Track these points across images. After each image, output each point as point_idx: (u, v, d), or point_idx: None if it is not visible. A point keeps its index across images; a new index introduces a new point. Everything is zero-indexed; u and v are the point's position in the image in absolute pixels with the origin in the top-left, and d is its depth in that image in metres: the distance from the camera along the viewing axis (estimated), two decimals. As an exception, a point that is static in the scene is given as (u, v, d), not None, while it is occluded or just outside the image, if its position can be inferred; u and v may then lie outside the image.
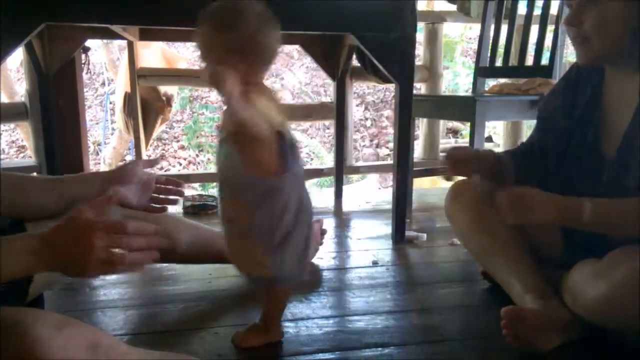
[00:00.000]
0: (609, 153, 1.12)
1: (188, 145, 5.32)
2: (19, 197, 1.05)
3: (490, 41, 2.20)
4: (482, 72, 2.24)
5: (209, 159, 5.27)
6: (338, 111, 2.43)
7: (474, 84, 2.27)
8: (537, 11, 2.08)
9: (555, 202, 1.06)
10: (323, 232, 1.63)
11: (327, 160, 4.93)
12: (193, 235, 1.34)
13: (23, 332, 0.64)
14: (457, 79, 5.75)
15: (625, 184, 1.05)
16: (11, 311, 0.67)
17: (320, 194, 3.33)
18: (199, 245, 1.35)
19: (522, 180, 1.28)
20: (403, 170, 1.75)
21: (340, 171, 2.47)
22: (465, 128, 5.21)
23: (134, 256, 0.79)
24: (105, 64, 5.32)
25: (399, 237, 1.80)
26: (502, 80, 2.28)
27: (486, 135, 4.32)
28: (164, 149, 5.36)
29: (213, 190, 4.48)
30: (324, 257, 1.65)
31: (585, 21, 1.09)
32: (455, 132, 5.36)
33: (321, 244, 1.62)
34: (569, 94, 1.25)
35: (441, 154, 3.06)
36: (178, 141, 5.42)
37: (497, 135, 4.69)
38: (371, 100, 5.90)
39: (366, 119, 5.74)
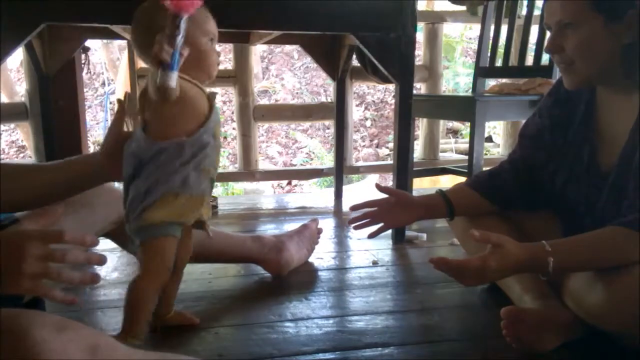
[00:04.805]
0: (607, 170, 1.11)
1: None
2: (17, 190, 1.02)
3: (490, 41, 2.20)
4: (482, 72, 2.24)
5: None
6: (338, 111, 2.43)
7: (474, 84, 2.27)
8: (537, 11, 2.08)
9: (522, 259, 1.01)
10: (319, 231, 1.63)
11: (327, 160, 4.93)
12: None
13: (22, 335, 0.64)
14: (457, 78, 5.75)
15: (623, 206, 1.05)
16: (10, 313, 0.67)
17: (320, 194, 3.33)
18: (198, 245, 1.35)
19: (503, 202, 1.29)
20: (403, 170, 1.75)
21: (340, 171, 2.47)
22: (465, 128, 5.21)
23: (70, 274, 0.74)
24: (105, 64, 5.33)
25: (399, 237, 1.80)
26: (502, 80, 2.28)
27: (486, 135, 4.33)
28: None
29: (213, 190, 4.48)
30: (324, 257, 1.65)
31: (567, 46, 1.07)
32: (455, 132, 5.36)
33: (317, 243, 1.62)
34: (559, 111, 1.23)
35: (441, 154, 3.07)
36: (178, 141, 5.42)
37: (497, 135, 4.70)
38: (371, 100, 5.90)
39: (366, 119, 5.74)
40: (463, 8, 2.77)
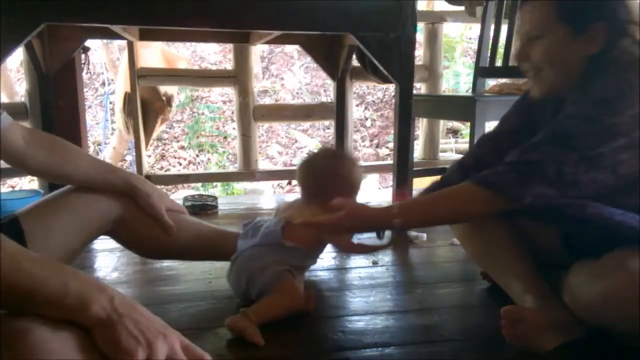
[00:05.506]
0: None
1: (188, 145, 5.32)
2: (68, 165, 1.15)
3: (490, 41, 2.20)
4: (482, 72, 2.23)
5: (209, 159, 5.27)
6: (338, 111, 2.44)
7: (474, 84, 2.27)
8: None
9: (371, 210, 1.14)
10: None
11: (327, 161, 4.91)
12: (194, 231, 1.34)
13: (22, 335, 0.64)
14: (458, 78, 5.75)
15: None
16: (10, 313, 0.67)
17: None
18: (199, 242, 1.35)
19: None
20: (403, 170, 1.75)
21: (340, 171, 2.47)
22: (465, 128, 5.21)
23: None
24: (105, 64, 5.33)
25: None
26: (502, 80, 2.28)
27: (486, 135, 4.33)
28: (164, 149, 5.37)
29: (213, 190, 4.48)
30: (324, 257, 1.65)
31: (532, 55, 1.11)
32: (455, 132, 5.36)
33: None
34: (519, 120, 1.27)
35: (441, 154, 3.07)
36: (178, 141, 5.42)
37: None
38: (371, 100, 5.90)
39: (366, 119, 5.74)
40: (463, 8, 2.77)
